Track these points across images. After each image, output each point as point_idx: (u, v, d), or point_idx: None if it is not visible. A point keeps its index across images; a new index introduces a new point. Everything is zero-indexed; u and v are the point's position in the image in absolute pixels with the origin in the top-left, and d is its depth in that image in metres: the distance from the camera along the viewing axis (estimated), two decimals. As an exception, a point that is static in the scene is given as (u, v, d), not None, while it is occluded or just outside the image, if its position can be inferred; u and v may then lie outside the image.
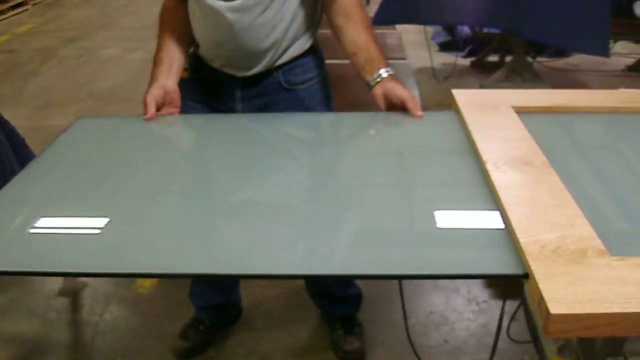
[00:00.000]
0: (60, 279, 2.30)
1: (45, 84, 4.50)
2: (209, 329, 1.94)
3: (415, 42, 4.77)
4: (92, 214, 1.09)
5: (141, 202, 1.14)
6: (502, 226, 0.99)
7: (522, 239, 0.92)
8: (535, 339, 1.53)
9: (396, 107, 1.42)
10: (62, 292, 2.25)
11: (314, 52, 1.55)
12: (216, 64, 1.52)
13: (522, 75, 4.11)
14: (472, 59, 4.66)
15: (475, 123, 1.32)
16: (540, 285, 0.83)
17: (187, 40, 1.53)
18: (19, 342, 2.03)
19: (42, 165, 1.30)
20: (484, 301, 2.13)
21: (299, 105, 1.54)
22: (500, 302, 2.11)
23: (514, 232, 0.95)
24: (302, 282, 2.05)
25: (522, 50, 4.08)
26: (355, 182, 1.22)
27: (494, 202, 1.06)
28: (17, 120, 2.00)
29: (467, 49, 4.72)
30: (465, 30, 4.63)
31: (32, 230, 1.04)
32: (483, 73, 4.43)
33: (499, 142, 1.24)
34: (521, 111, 1.40)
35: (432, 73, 4.28)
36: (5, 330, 2.08)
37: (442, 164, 1.25)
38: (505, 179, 1.10)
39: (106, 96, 4.21)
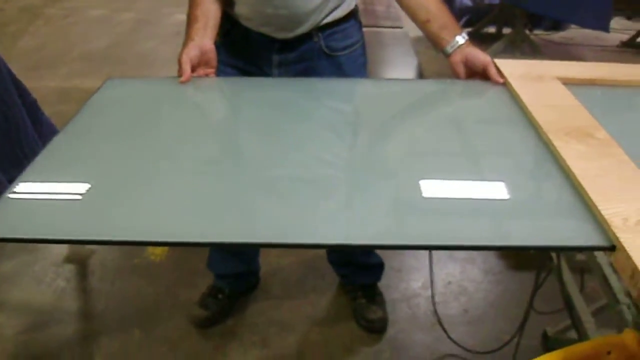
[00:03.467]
0: (66, 245, 2.23)
1: (35, 43, 4.35)
2: (228, 298, 1.92)
3: (411, 11, 4.70)
4: (124, 182, 1.04)
5: (169, 170, 1.08)
6: (575, 197, 0.98)
7: (604, 211, 0.91)
8: (570, 309, 1.54)
9: (474, 74, 1.38)
10: (69, 259, 2.19)
11: (354, 16, 1.51)
12: (253, 25, 1.45)
13: (520, 48, 4.11)
14: (469, 29, 4.63)
15: (528, 95, 1.29)
16: (633, 257, 0.82)
17: None
18: (28, 311, 1.98)
19: (75, 130, 1.23)
20: (500, 272, 2.14)
21: (339, 71, 1.50)
22: (515, 273, 2.13)
23: (593, 204, 0.93)
24: (318, 249, 2.04)
25: (522, 22, 4.06)
26: (405, 151, 1.18)
27: (562, 173, 1.04)
28: (7, 80, 1.92)
29: (463, 19, 4.68)
30: (464, 0, 4.59)
31: (70, 197, 0.99)
32: (480, 44, 4.34)
33: (556, 113, 1.21)
34: (566, 82, 1.38)
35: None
36: (14, 299, 2.02)
37: (499, 134, 1.22)
38: (571, 150, 1.08)
39: (99, 57, 4.09)
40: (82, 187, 1.00)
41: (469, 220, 0.95)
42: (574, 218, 0.93)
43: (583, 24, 3.85)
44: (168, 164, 1.10)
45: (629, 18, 5.00)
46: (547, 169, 1.06)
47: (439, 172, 1.08)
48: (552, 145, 1.10)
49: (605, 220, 0.89)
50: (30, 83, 1.87)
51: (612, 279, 1.38)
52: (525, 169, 1.10)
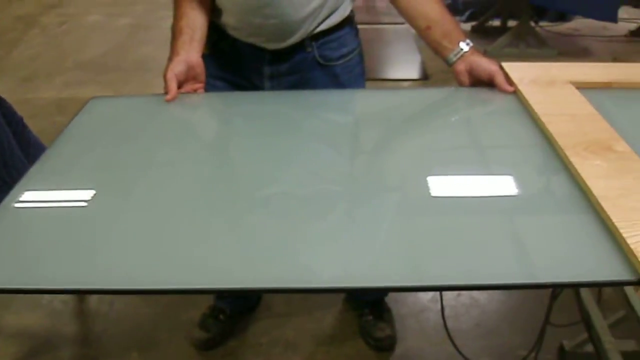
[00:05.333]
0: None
1: (30, 53, 4.28)
2: (230, 318, 1.84)
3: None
4: (109, 211, 0.96)
5: (148, 195, 1.00)
6: (597, 223, 0.89)
7: (630, 239, 0.82)
8: (589, 327, 1.46)
9: (481, 82, 1.29)
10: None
11: (350, 22, 1.42)
12: (241, 35, 1.37)
13: (526, 41, 4.01)
14: (473, 23, 4.53)
15: (540, 103, 1.20)
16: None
17: (209, 6, 1.35)
18: (25, 337, 1.91)
19: (56, 156, 1.15)
20: (512, 282, 2.05)
21: (334, 82, 1.41)
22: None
23: (617, 230, 0.84)
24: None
25: (527, 15, 3.97)
26: (405, 167, 1.09)
27: (581, 193, 0.95)
28: (3, 92, 1.83)
29: (467, 13, 4.58)
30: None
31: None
32: (485, 38, 4.30)
33: (572, 124, 1.12)
34: (580, 87, 1.29)
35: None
36: (10, 325, 1.95)
37: (508, 148, 1.14)
38: (590, 166, 0.99)
39: (95, 65, 4.01)
40: (66, 210, 0.95)
41: (486, 256, 0.86)
42: (596, 248, 0.84)
43: (590, 15, 3.75)
44: (153, 189, 1.02)
45: (636, 6, 4.89)
46: (564, 190, 0.97)
47: (446, 191, 1.00)
48: (569, 161, 1.01)
49: (630, 250, 0.80)
50: (26, 94, 1.80)
51: (633, 297, 1.30)
52: (539, 190, 1.01)
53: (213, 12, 1.36)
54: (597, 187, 0.93)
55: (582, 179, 0.96)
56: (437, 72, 3.73)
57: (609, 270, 0.80)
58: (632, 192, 0.92)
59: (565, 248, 0.86)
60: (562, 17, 4.45)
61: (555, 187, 1.00)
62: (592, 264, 0.83)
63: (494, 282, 0.81)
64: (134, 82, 3.70)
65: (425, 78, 3.76)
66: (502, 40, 4.03)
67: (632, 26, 4.45)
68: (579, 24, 4.53)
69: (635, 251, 0.80)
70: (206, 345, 1.81)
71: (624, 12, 4.58)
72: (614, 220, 0.86)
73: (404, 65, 4.11)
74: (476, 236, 0.89)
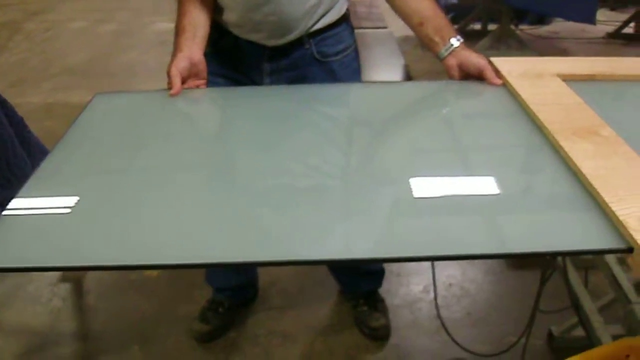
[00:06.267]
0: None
1: (15, 59, 4.29)
2: (229, 311, 1.88)
3: (396, 11, 4.69)
4: (117, 200, 1.00)
5: (157, 185, 1.05)
6: (587, 199, 0.95)
7: (619, 212, 0.89)
8: (577, 308, 1.52)
9: (471, 76, 1.36)
10: (65, 278, 2.14)
11: (346, 20, 1.48)
12: (242, 32, 1.42)
13: (507, 43, 4.11)
14: (454, 26, 4.61)
15: (529, 94, 1.27)
16: (654, 260, 0.80)
17: (211, 5, 1.40)
18: (25, 334, 1.93)
19: (67, 148, 1.18)
20: (501, 271, 2.12)
21: (331, 78, 1.47)
22: (515, 272, 2.11)
23: (606, 205, 0.91)
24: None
25: (508, 18, 4.06)
26: (403, 156, 1.15)
27: (571, 174, 1.02)
28: (-9, 97, 1.86)
29: (448, 17, 4.65)
30: (450, -2, 4.59)
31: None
32: (466, 41, 4.34)
33: (560, 112, 1.19)
34: (566, 79, 1.36)
35: (417, 42, 4.22)
36: (10, 321, 1.97)
37: (501, 135, 1.20)
38: (579, 149, 1.06)
39: (81, 70, 4.03)
40: (75, 207, 0.97)
41: (478, 225, 0.93)
42: (588, 220, 0.91)
43: (569, 17, 3.86)
44: (160, 178, 1.07)
45: (612, 9, 5.03)
46: (556, 170, 1.04)
47: (441, 175, 1.06)
48: (559, 145, 1.08)
49: (620, 222, 0.87)
50: (13, 100, 1.82)
51: (621, 277, 1.37)
52: (532, 171, 1.08)
53: (215, 11, 1.41)
54: (587, 167, 1.00)
55: (572, 160, 1.03)
56: (420, 74, 3.81)
57: (602, 240, 0.87)
58: (618, 172, 0.99)
59: (558, 222, 0.93)
60: (542, 20, 4.56)
61: (546, 168, 1.06)
62: (585, 236, 0.89)
63: (493, 252, 0.88)
64: (121, 86, 3.72)
65: (409, 80, 3.83)
66: (483, 43, 4.12)
67: (610, 28, 4.58)
68: (558, 26, 4.65)
69: (624, 223, 0.86)
70: (206, 337, 1.84)
71: (601, 14, 4.71)
72: (604, 196, 0.92)
73: (388, 68, 4.18)
74: (473, 208, 0.96)
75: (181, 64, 1.33)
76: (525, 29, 4.48)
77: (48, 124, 3.00)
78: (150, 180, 1.07)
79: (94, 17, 5.20)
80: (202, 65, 1.37)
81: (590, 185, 0.96)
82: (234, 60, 1.47)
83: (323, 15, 1.41)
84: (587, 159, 1.03)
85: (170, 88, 1.32)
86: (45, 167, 1.11)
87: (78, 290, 2.10)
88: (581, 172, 0.99)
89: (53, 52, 4.44)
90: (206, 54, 1.41)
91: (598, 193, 0.94)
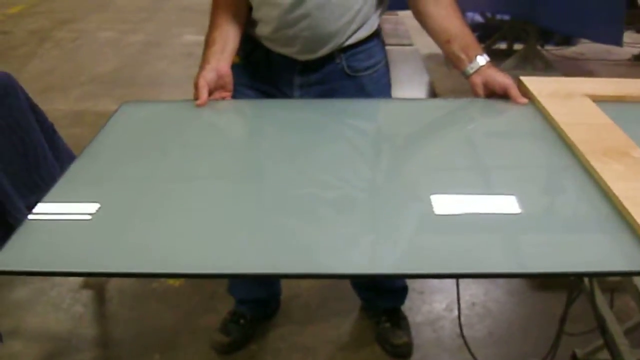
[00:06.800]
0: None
1: (44, 66, 4.36)
2: (250, 323, 1.88)
3: (421, 28, 4.70)
4: (137, 205, 1.02)
5: (185, 194, 1.06)
6: (619, 221, 0.94)
7: (653, 235, 0.88)
8: (604, 331, 1.50)
9: (495, 95, 1.36)
10: (86, 285, 2.16)
11: (377, 35, 1.49)
12: (275, 46, 1.43)
13: (533, 64, 4.09)
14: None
15: (559, 113, 1.27)
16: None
17: (243, 20, 1.42)
18: (46, 339, 1.94)
19: (94, 154, 1.20)
20: (524, 292, 2.10)
21: (361, 92, 1.48)
22: (539, 293, 2.09)
23: (638, 226, 0.90)
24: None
25: (534, 38, 4.05)
26: (432, 172, 1.15)
27: (602, 195, 1.01)
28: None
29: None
30: (476, 17, 4.58)
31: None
32: (492, 60, 4.36)
33: (591, 132, 1.19)
34: (595, 100, 1.36)
35: (442, 60, 4.22)
36: (32, 326, 1.99)
37: (531, 154, 1.20)
38: (610, 170, 1.05)
39: (109, 80, 4.09)
40: (100, 213, 0.98)
41: (504, 244, 0.93)
42: (619, 241, 0.90)
43: (595, 39, 3.83)
44: (186, 187, 1.08)
45: (638, 31, 4.99)
46: (585, 190, 1.03)
47: (472, 193, 1.05)
48: (590, 165, 1.07)
49: (655, 245, 0.86)
50: (42, 106, 1.85)
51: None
52: (561, 190, 1.08)
53: (248, 23, 1.43)
54: (618, 188, 0.99)
55: (602, 180, 1.02)
56: (445, 92, 3.80)
57: (633, 262, 0.86)
58: (651, 194, 0.98)
59: (593, 245, 0.92)
60: (568, 41, 4.54)
61: (576, 188, 1.06)
62: (615, 257, 0.89)
63: (529, 271, 0.87)
64: (148, 96, 3.77)
65: (434, 98, 3.83)
66: (509, 62, 4.11)
67: (636, 51, 4.54)
68: (584, 48, 4.61)
69: (657, 246, 0.85)
70: (227, 349, 1.84)
71: (627, 37, 4.67)
72: (636, 217, 0.91)
73: (413, 85, 4.18)
74: (501, 226, 0.95)
75: (209, 75, 1.35)
76: (551, 50, 4.46)
77: (75, 131, 3.04)
78: (173, 189, 1.08)
79: (121, 27, 5.28)
80: (229, 78, 1.38)
81: (622, 205, 0.95)
82: (265, 73, 1.49)
83: (356, 31, 1.42)
84: (619, 179, 1.02)
85: (196, 99, 1.33)
86: (71, 173, 1.12)
87: (100, 297, 2.11)
88: (612, 193, 0.99)
89: (81, 61, 4.51)
90: (238, 66, 1.43)
91: (630, 215, 0.93)
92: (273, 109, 1.42)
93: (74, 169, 1.13)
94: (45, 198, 1.02)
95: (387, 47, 1.57)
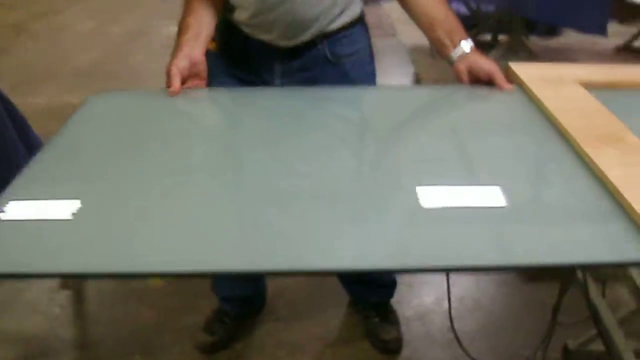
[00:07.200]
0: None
1: (21, 60, 4.27)
2: (235, 321, 1.83)
3: (406, 19, 4.66)
4: (113, 201, 0.95)
5: (162, 188, 0.99)
6: (615, 207, 0.90)
7: (653, 222, 0.84)
8: (597, 322, 1.47)
9: (480, 81, 1.32)
10: (64, 285, 2.09)
11: (360, 21, 1.44)
12: (254, 32, 1.37)
13: (518, 55, 4.07)
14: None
15: (550, 99, 1.23)
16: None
17: (219, 5, 1.36)
18: (23, 341, 1.87)
19: (56, 148, 1.14)
20: (514, 284, 2.07)
21: (345, 79, 1.43)
22: (529, 285, 2.06)
23: (636, 214, 0.86)
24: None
25: (518, 29, 4.03)
26: (417, 161, 1.10)
27: (597, 181, 0.97)
28: (-6, 97, 1.82)
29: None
30: (461, 8, 4.54)
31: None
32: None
33: (583, 118, 1.15)
34: (586, 86, 1.32)
35: (427, 51, 4.17)
36: (7, 329, 1.92)
37: (523, 141, 1.16)
38: (604, 156, 1.01)
39: (88, 73, 4.00)
40: (72, 208, 0.91)
41: (503, 234, 0.88)
42: (618, 231, 0.86)
43: (580, 29, 3.81)
44: (160, 182, 1.01)
45: (621, 22, 4.98)
46: (581, 179, 0.99)
47: (460, 182, 1.00)
48: (584, 152, 1.03)
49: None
50: (18, 101, 1.78)
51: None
52: (555, 178, 1.03)
53: (225, 9, 1.37)
54: (614, 174, 0.95)
55: (598, 167, 0.98)
56: (430, 83, 3.77)
57: (633, 250, 0.82)
58: (647, 179, 0.94)
59: (590, 234, 0.88)
60: (552, 31, 4.52)
61: (570, 175, 1.01)
62: (616, 246, 0.85)
63: (526, 262, 0.83)
64: (128, 89, 3.69)
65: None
66: (494, 54, 4.08)
67: (619, 41, 4.53)
68: (569, 38, 4.59)
69: (657, 233, 0.81)
70: (211, 348, 1.79)
71: (611, 28, 4.66)
72: (634, 204, 0.87)
73: (397, 76, 4.14)
74: (498, 215, 0.91)
75: (181, 62, 1.28)
76: (536, 41, 4.44)
77: (53, 126, 2.96)
78: (145, 183, 1.01)
79: (101, 18, 5.16)
80: (203, 66, 1.31)
81: (619, 193, 0.91)
82: (245, 60, 1.43)
83: (338, 16, 1.37)
84: (614, 165, 0.98)
85: (169, 87, 1.27)
86: (36, 167, 1.05)
87: (78, 298, 2.04)
88: (608, 179, 0.95)
89: (59, 54, 4.41)
90: (215, 54, 1.36)
91: (626, 200, 0.89)
92: (251, 97, 1.36)
93: (37, 163, 1.07)
94: (9, 194, 0.95)
95: (372, 40, 1.52)
